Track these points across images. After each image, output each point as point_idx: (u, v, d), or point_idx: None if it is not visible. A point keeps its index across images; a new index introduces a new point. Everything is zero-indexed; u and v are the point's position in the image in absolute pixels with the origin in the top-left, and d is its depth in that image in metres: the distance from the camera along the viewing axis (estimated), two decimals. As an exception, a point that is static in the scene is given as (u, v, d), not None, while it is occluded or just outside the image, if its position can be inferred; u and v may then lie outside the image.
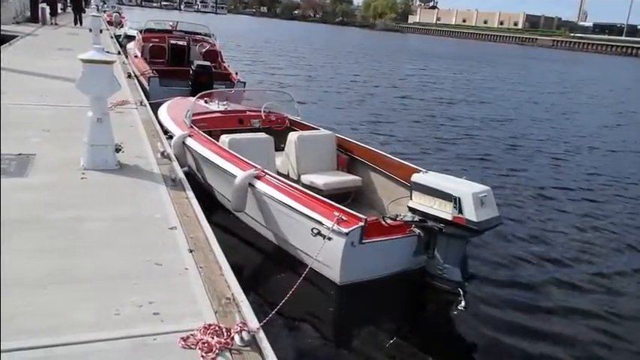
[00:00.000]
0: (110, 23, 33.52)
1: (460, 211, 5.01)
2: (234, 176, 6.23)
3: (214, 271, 4.24)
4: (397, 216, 5.51)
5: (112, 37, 25.20)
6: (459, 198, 5.02)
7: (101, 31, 20.58)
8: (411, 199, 5.52)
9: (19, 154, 6.70)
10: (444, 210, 5.15)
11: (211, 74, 14.22)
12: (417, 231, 5.49)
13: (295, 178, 7.57)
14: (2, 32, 21.51)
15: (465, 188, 5.13)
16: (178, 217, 5.28)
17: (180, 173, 6.57)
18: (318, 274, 5.52)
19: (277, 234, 6.11)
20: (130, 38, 22.06)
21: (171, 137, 8.25)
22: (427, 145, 13.41)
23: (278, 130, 8.74)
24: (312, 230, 5.40)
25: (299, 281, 4.64)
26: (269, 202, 5.99)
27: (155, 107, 10.44)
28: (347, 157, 7.93)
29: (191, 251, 4.53)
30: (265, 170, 6.26)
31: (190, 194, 5.93)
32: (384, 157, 7.42)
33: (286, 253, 6.05)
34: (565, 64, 57.45)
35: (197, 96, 8.58)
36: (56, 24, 28.25)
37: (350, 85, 23.90)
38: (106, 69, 6.09)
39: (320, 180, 7.24)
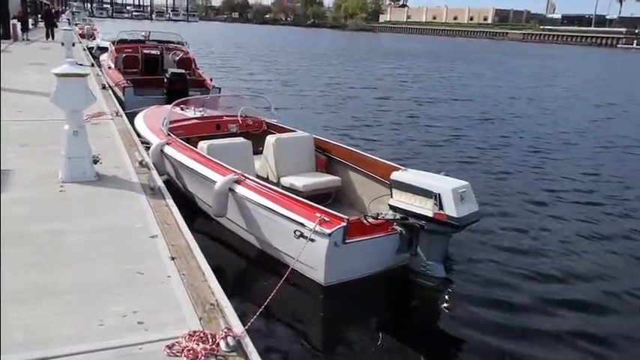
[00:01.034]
0: (82, 36, 33.26)
1: (441, 207, 5.06)
2: (214, 182, 6.22)
3: (197, 277, 4.23)
4: (378, 215, 5.55)
5: (84, 50, 24.98)
6: (438, 194, 5.07)
7: (74, 44, 20.41)
8: (391, 197, 5.56)
9: (-3, 171, 6.62)
10: (424, 207, 5.19)
11: (186, 81, 14.22)
12: (399, 229, 5.53)
13: (275, 181, 7.59)
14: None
15: (445, 184, 5.18)
16: (159, 225, 5.26)
17: (159, 182, 6.55)
18: (303, 276, 5.54)
19: (259, 237, 6.11)
20: (103, 50, 21.92)
21: (148, 146, 8.22)
22: (408, 144, 13.42)
23: (256, 134, 8.75)
24: (294, 232, 5.41)
25: (282, 283, 4.68)
26: (250, 206, 5.99)
27: (131, 117, 10.40)
28: (325, 158, 7.97)
29: (173, 259, 4.52)
30: (245, 175, 6.26)
31: (170, 202, 5.91)
32: (363, 157, 7.47)
33: (269, 257, 6.06)
34: (539, 58, 57.91)
35: (173, 104, 8.56)
36: (28, 39, 27.93)
37: (325, 87, 23.82)
38: (81, 82, 6.05)
39: (299, 182, 7.26)
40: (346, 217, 5.22)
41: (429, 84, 27.47)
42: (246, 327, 3.55)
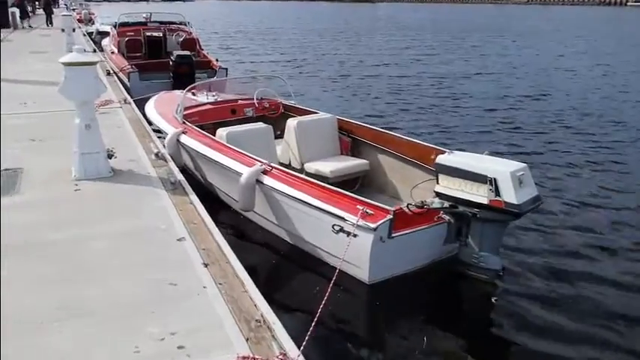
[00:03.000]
0: (80, 21, 32.58)
1: (497, 193, 4.57)
2: (239, 174, 5.76)
3: (235, 287, 3.80)
4: (423, 203, 5.08)
5: (84, 35, 24.36)
6: (494, 179, 4.58)
7: (74, 30, 19.81)
8: (437, 183, 5.08)
9: (6, 170, 6.20)
10: (477, 193, 4.71)
11: (192, 64, 13.71)
12: (447, 218, 5.06)
13: (298, 167, 7.14)
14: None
15: (501, 167, 4.68)
16: (185, 225, 4.83)
17: (178, 175, 6.10)
18: (343, 274, 5.10)
19: (292, 232, 5.67)
20: (103, 34, 21.32)
21: (161, 135, 7.77)
22: (438, 123, 12.49)
23: (273, 118, 8.25)
24: (333, 227, 4.97)
25: (322, 283, 4.23)
26: (280, 199, 5.54)
27: (139, 104, 9.94)
28: (350, 140, 7.49)
29: (206, 265, 4.09)
30: (272, 164, 5.80)
31: (194, 197, 5.47)
32: (393, 138, 6.98)
33: (304, 253, 5.62)
34: (555, 22, 55.70)
35: (187, 89, 8.05)
36: (30, 26, 27.32)
37: (339, 66, 22.39)
38: (90, 70, 5.58)
39: (325, 167, 6.79)
40: (391, 208, 4.75)
41: (448, 59, 24.83)
42: (302, 348, 3.11)
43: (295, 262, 5.67)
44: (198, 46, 16.23)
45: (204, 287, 3.78)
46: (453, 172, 4.93)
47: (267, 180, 5.62)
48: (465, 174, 4.83)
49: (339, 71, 20.75)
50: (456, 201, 4.93)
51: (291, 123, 7.22)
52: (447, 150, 5.65)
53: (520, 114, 13.66)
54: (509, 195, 4.53)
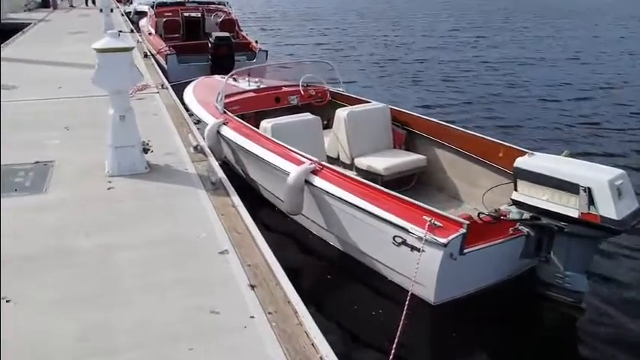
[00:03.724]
0: (119, 1, 32.33)
1: (592, 206, 3.86)
2: (287, 173, 5.19)
3: (288, 318, 3.24)
4: (499, 213, 4.41)
5: (122, 15, 24.03)
6: (588, 188, 3.86)
7: (112, 10, 19.45)
8: (515, 189, 4.39)
9: (37, 163, 5.79)
10: (566, 204, 4.00)
11: (232, 46, 13.17)
12: (525, 230, 4.38)
13: (348, 162, 6.54)
14: (15, 21, 20.63)
15: (596, 174, 3.95)
16: (227, 234, 4.29)
17: (219, 172, 5.57)
18: (404, 290, 4.51)
19: (345, 240, 5.08)
20: (141, 14, 20.93)
21: (198, 121, 7.31)
22: (496, 115, 11.37)
23: (319, 106, 7.63)
24: (394, 239, 4.36)
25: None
26: (332, 203, 4.95)
27: (177, 89, 9.46)
28: (404, 133, 6.82)
29: (253, 287, 3.54)
30: (323, 163, 5.20)
31: (236, 200, 4.92)
32: (454, 131, 6.30)
33: (359, 264, 5.02)
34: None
35: (228, 75, 7.48)
36: (72, 6, 27.21)
37: (377, 48, 21.07)
38: (125, 57, 5.06)
39: (379, 163, 6.17)
40: (465, 221, 4.10)
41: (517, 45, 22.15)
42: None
43: (348, 274, 5.06)
44: (237, 27, 15.66)
45: (252, 317, 3.23)
46: (536, 178, 4.23)
47: (318, 181, 5.03)
48: (552, 181, 4.12)
49: (383, 55, 19.45)
50: (539, 212, 4.23)
51: (342, 113, 6.59)
52: (527, 151, 4.95)
53: (591, 106, 12.30)
54: (608, 208, 3.81)
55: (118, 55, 5.01)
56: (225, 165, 6.47)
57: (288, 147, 5.52)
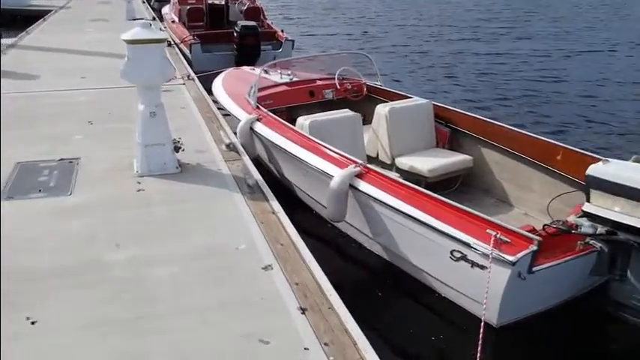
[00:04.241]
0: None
1: None
2: (329, 176, 4.80)
3: (347, 349, 2.86)
4: (565, 224, 3.99)
5: (143, 2, 23.70)
6: None
7: (133, -3, 19.16)
8: (587, 200, 3.96)
9: (61, 160, 5.48)
10: None
11: (258, 35, 12.68)
12: (598, 245, 3.95)
13: (388, 162, 6.14)
14: (36, 7, 20.43)
15: None
16: (269, 245, 3.92)
17: (255, 174, 5.20)
18: (461, 309, 4.13)
19: (395, 252, 4.68)
20: (162, 1, 20.57)
21: (227, 114, 6.98)
22: (542, 113, 10.57)
23: (355, 101, 7.21)
24: (451, 253, 3.96)
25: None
26: (380, 211, 4.55)
27: (203, 80, 9.09)
28: (448, 131, 6.38)
29: (303, 311, 3.16)
30: (368, 166, 4.79)
31: (276, 206, 4.55)
32: (503, 129, 5.86)
33: (411, 278, 4.62)
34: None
35: (262, 68, 7.08)
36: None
37: (407, 39, 19.75)
38: (157, 49, 4.69)
39: (422, 164, 5.75)
40: (536, 237, 3.67)
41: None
42: None
43: (398, 289, 4.65)
44: (262, 16, 15.18)
45: (306, 349, 2.85)
46: (612, 188, 3.80)
47: (364, 186, 4.62)
48: (631, 192, 3.69)
49: (412, 46, 18.45)
50: (615, 226, 3.81)
51: (382, 110, 6.17)
52: (592, 155, 4.52)
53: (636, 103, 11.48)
54: None
55: (150, 47, 4.65)
56: (257, 163, 6.10)
57: (330, 147, 5.12)
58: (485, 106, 11.10)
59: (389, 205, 4.39)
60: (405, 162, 5.95)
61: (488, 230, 3.78)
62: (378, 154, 6.29)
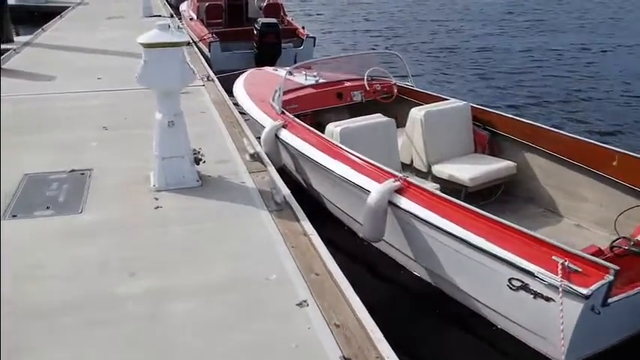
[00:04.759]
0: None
1: None
2: (366, 192, 4.32)
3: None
4: (637, 245, 3.48)
5: (161, -1, 23.38)
6: None
7: (151, -7, 18.80)
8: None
9: (72, 171, 5.07)
10: None
11: (279, 33, 12.19)
12: None
13: (424, 170, 5.68)
14: (54, 4, 20.18)
15: None
16: (303, 276, 3.46)
17: (284, 189, 4.73)
18: (520, 342, 3.64)
19: (441, 276, 4.19)
20: (179, -2, 20.20)
21: (245, 115, 6.62)
22: (586, 114, 9.81)
23: (385, 103, 6.72)
24: (510, 282, 3.48)
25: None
26: (424, 231, 4.07)
27: (223, 81, 8.66)
28: (488, 134, 5.88)
29: (347, 361, 2.70)
30: (408, 179, 4.30)
31: (308, 227, 4.08)
32: (549, 133, 5.38)
33: (461, 307, 4.12)
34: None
35: (288, 70, 6.60)
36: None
37: (433, 35, 18.57)
38: (176, 53, 4.25)
39: (462, 172, 5.28)
40: (613, 265, 3.15)
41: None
42: None
43: (445, 317, 4.15)
44: (282, 12, 14.70)
45: (355, 415, 2.39)
46: None
47: (405, 202, 4.14)
48: None
49: (439, 43, 17.27)
50: None
51: (417, 113, 5.69)
52: None
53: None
54: None
55: (168, 51, 4.20)
56: (283, 172, 5.66)
57: (366, 159, 4.64)
58: (519, 105, 10.45)
59: (435, 225, 3.90)
60: (442, 170, 5.48)
61: (554, 257, 3.28)
62: (412, 161, 5.82)
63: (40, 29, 13.65)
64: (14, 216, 4.25)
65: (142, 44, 4.12)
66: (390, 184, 4.24)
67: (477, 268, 3.72)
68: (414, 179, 4.50)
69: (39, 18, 17.82)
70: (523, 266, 3.38)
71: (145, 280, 3.41)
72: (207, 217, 4.23)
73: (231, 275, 3.47)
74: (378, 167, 4.50)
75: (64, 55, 10.67)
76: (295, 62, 12.19)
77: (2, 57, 9.89)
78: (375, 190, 4.22)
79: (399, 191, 4.22)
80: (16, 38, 13.07)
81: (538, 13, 24.15)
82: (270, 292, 3.30)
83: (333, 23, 22.38)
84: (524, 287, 3.41)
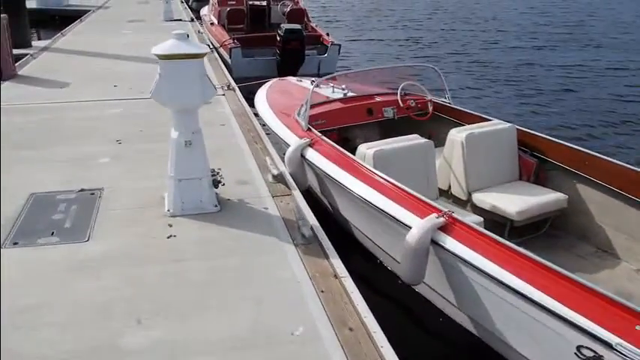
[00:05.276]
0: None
1: None
2: (406, 228, 3.82)
3: None
4: None
5: (182, 2, 23.13)
6: None
7: (172, -3, 18.52)
8: None
9: (82, 191, 4.65)
10: None
11: (303, 39, 11.79)
12: None
13: (463, 198, 5.16)
14: (75, 7, 20.05)
15: None
16: (334, 330, 2.98)
17: (311, 218, 4.25)
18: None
19: (490, 330, 3.67)
20: (201, 2, 19.91)
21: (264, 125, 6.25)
22: None
23: (419, 120, 6.22)
24: (579, 350, 2.95)
25: None
26: (473, 277, 3.56)
27: (245, 91, 8.24)
28: (535, 161, 5.33)
29: None
30: (454, 215, 3.79)
31: (340, 268, 3.59)
32: (606, 163, 4.80)
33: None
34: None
35: (315, 83, 6.12)
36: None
37: (464, 47, 17.58)
38: (195, 66, 3.78)
39: (508, 203, 4.75)
40: None
41: None
42: None
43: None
44: (306, 18, 14.29)
45: None
46: None
47: (450, 242, 3.63)
48: None
49: (469, 56, 16.18)
50: None
51: (457, 135, 5.18)
52: None
53: None
54: None
55: (186, 63, 3.75)
56: (307, 193, 5.19)
57: (405, 188, 4.14)
58: (563, 126, 9.60)
59: (489, 275, 3.39)
60: (484, 199, 4.95)
61: (637, 326, 2.75)
62: (450, 187, 5.31)
63: (59, 33, 13.38)
64: (15, 243, 3.84)
65: (157, 55, 3.68)
66: (433, 220, 3.73)
67: (536, 327, 3.20)
68: (454, 209, 4.00)
69: (59, 22, 17.68)
70: (597, 334, 2.85)
71: (153, 329, 2.95)
72: (226, 251, 3.76)
73: (252, 327, 2.99)
74: (420, 199, 3.99)
75: (81, 61, 10.36)
76: (319, 70, 11.82)
77: (19, 63, 9.58)
78: (417, 226, 3.72)
79: (444, 228, 3.71)
80: (35, 43, 12.81)
81: (572, 26, 22.82)
82: (298, 350, 2.82)
83: (357, 30, 21.82)
84: (597, 358, 2.89)
